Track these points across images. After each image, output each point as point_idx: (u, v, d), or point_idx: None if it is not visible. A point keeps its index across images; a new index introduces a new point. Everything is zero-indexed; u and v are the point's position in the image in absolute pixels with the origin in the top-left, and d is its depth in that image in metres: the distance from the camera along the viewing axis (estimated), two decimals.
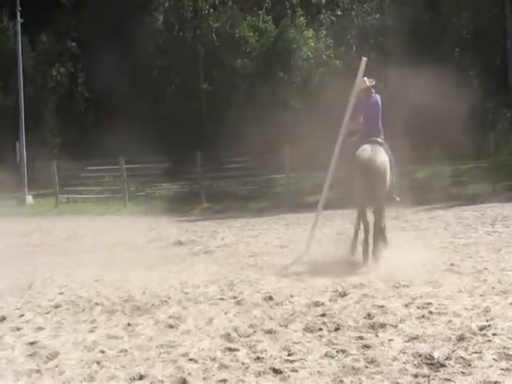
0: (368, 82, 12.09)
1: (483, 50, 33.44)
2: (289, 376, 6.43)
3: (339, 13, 36.99)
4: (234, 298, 9.89)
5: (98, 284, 11.68)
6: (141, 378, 6.64)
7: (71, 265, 14.16)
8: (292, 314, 8.64)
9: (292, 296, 9.68)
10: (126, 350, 7.53)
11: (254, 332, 7.99)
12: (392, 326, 7.78)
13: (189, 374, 6.64)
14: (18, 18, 35.02)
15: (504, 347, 6.72)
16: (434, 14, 34.99)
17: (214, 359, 7.04)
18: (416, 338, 7.24)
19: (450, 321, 7.80)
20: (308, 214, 16.36)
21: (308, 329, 7.93)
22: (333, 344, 7.32)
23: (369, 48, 34.76)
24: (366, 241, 11.69)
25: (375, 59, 32.00)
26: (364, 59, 12.25)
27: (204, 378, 6.53)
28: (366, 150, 11.66)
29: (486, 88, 32.68)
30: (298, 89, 34.61)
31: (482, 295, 9.00)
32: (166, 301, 9.90)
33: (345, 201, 12.62)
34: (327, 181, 12.69)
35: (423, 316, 8.11)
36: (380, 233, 11.81)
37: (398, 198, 12.27)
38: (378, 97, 12.17)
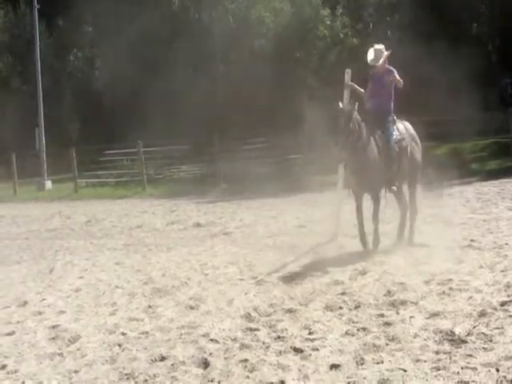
0: (381, 59, 11.66)
1: (501, 24, 33.06)
2: (310, 355, 6.44)
3: None
4: (254, 278, 9.90)
5: (118, 267, 11.77)
6: (162, 359, 6.67)
7: (91, 249, 14.24)
8: (312, 293, 8.64)
9: (312, 275, 9.68)
10: (147, 332, 7.58)
11: (275, 311, 8.01)
12: (412, 302, 7.76)
13: (210, 354, 6.67)
14: (35, 3, 35.04)
15: None
16: None
17: (234, 339, 7.07)
18: (437, 315, 7.22)
19: (470, 297, 7.77)
20: (326, 194, 16.28)
21: (328, 307, 7.94)
22: (353, 322, 7.32)
23: (386, 25, 34.52)
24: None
25: (392, 36, 31.83)
26: (348, 71, 12.03)
27: (225, 358, 6.55)
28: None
29: (504, 62, 32.39)
30: (315, 68, 34.41)
31: (502, 271, 8.94)
32: (186, 282, 9.95)
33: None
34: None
35: (444, 292, 8.07)
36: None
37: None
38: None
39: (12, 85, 41.88)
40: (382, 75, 11.43)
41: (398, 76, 11.24)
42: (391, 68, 11.44)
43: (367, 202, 11.32)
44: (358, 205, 11.33)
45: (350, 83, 11.97)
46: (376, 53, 11.55)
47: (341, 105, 11.04)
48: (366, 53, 11.66)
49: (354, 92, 11.88)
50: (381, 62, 11.46)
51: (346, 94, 11.98)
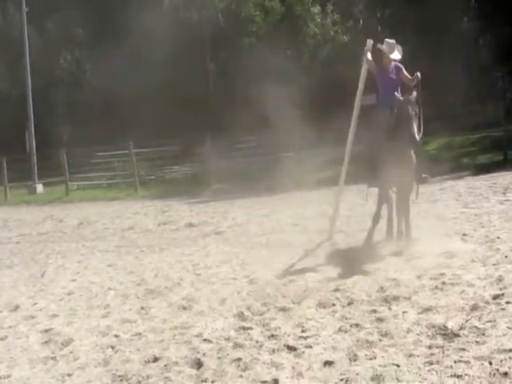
0: (396, 51, 11.56)
1: (492, 19, 33.12)
2: (303, 352, 6.43)
3: None
4: (247, 277, 9.89)
5: (111, 269, 11.75)
6: (155, 360, 6.67)
7: (83, 251, 14.21)
8: (305, 291, 8.63)
9: (305, 273, 9.66)
10: (140, 334, 7.57)
11: (268, 310, 8.01)
12: (405, 298, 7.76)
13: (203, 354, 6.66)
14: (24, 6, 34.93)
15: None
16: None
17: (228, 339, 7.07)
18: (429, 310, 7.22)
19: (463, 291, 7.77)
20: (318, 191, 16.30)
21: (321, 305, 7.94)
22: (346, 319, 7.32)
23: (376, 21, 34.56)
24: None
25: (382, 32, 31.85)
26: (370, 41, 11.89)
27: (219, 358, 6.55)
28: None
29: (495, 56, 32.44)
30: (306, 65, 34.42)
31: (494, 264, 8.93)
32: (178, 283, 9.95)
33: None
34: (346, 157, 12.29)
35: (436, 287, 8.07)
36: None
37: None
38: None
39: (1, 88, 41.74)
40: (391, 71, 11.35)
41: (406, 73, 11.24)
42: (399, 65, 11.40)
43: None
44: (382, 203, 11.22)
45: (369, 53, 11.77)
46: (389, 46, 11.46)
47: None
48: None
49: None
50: (400, 56, 11.44)
51: (365, 61, 11.77)
